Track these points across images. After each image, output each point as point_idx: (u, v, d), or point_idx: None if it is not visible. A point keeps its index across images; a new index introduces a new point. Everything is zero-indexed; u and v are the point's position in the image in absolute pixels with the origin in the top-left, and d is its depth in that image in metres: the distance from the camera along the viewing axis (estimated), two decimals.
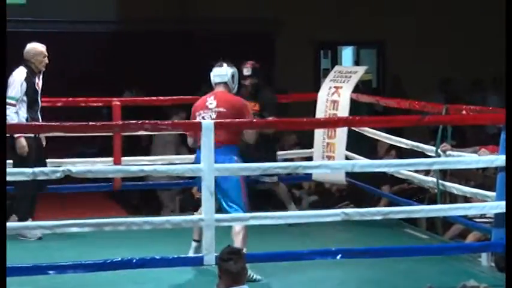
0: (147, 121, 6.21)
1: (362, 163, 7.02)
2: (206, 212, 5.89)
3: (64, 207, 9.13)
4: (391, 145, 8.35)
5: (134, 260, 5.84)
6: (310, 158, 8.44)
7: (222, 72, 6.41)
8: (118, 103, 8.06)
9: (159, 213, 10.53)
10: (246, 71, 7.53)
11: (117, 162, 7.80)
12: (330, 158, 8.10)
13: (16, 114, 7.16)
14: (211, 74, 6.48)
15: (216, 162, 5.93)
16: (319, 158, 8.19)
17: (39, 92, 7.38)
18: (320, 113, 8.28)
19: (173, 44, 13.38)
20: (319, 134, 8.25)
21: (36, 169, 5.84)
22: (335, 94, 8.22)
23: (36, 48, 7.37)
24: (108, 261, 5.84)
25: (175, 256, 6.04)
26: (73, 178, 6.07)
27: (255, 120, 6.47)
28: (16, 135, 7.07)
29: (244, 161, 6.32)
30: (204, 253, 5.90)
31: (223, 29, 13.52)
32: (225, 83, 6.40)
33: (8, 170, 6.21)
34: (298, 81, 12.98)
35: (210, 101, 6.33)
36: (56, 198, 8.93)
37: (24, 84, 7.23)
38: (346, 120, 7.27)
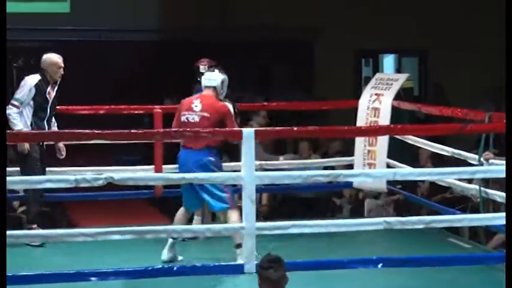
0: (188, 129, 6.25)
1: (403, 171, 6.98)
2: (247, 220, 5.90)
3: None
4: (433, 153, 8.28)
5: (175, 268, 5.89)
6: (351, 165, 8.40)
7: (212, 77, 6.68)
8: (159, 111, 8.10)
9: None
10: (202, 68, 7.37)
11: (158, 169, 7.83)
12: (370, 166, 8.06)
13: (18, 115, 7.19)
14: (203, 77, 6.73)
15: (193, 161, 6.34)
16: (360, 165, 8.15)
17: (50, 102, 7.35)
18: (361, 120, 8.24)
19: (213, 52, 13.39)
20: (360, 141, 8.21)
21: (79, 176, 5.89)
22: (376, 101, 8.18)
23: (51, 58, 7.39)
24: (150, 268, 5.88)
25: (216, 264, 6.05)
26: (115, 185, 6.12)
27: (295, 129, 6.46)
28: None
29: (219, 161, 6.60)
30: (245, 261, 5.91)
31: (263, 37, 13.55)
32: (214, 88, 6.64)
33: (50, 177, 6.30)
34: (338, 88, 12.95)
35: (196, 103, 6.59)
36: (98, 205, 9.00)
37: (33, 90, 7.26)
38: (388, 129, 7.23)
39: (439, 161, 8.67)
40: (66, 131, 6.11)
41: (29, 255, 6.78)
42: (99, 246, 6.69)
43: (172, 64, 13.49)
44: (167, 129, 6.50)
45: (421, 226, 6.19)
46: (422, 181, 8.67)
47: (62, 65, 7.40)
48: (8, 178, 6.18)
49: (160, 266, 5.89)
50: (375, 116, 8.14)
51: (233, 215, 6.38)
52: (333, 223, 6.36)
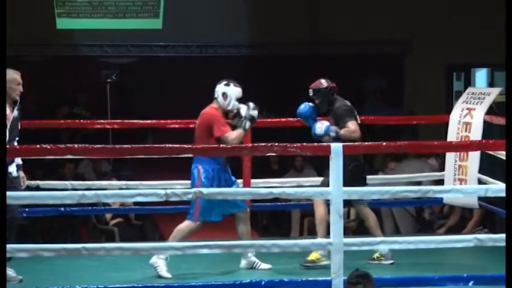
0: (276, 143, 6.27)
1: (496, 187, 6.83)
2: (335, 236, 5.89)
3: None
4: None
5: (263, 282, 5.89)
6: (441, 181, 8.29)
7: (216, 89, 6.99)
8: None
9: (288, 233, 10.58)
10: (310, 92, 7.37)
11: (246, 184, 7.88)
12: (461, 181, 7.94)
13: None
14: None
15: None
16: (451, 180, 8.04)
17: (9, 125, 6.24)
18: (452, 135, 8.13)
19: (303, 67, 13.47)
20: (450, 156, 8.10)
21: (169, 190, 5.95)
22: (467, 116, 8.06)
23: (8, 74, 6.20)
24: (237, 282, 5.91)
25: (303, 279, 6.05)
26: None
27: (384, 144, 6.41)
28: None
29: (223, 171, 6.78)
30: (333, 277, 5.89)
31: (352, 51, 13.51)
32: (216, 99, 6.94)
33: (140, 191, 6.38)
34: (429, 103, 12.81)
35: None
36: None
37: None
38: (479, 144, 7.10)
39: None
40: (156, 145, 6.19)
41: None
42: (185, 259, 6.72)
43: (263, 79, 13.57)
44: (256, 144, 6.53)
45: None
46: None
47: (21, 81, 6.38)
48: (101, 192, 6.33)
49: (248, 281, 5.91)
50: (466, 130, 8.02)
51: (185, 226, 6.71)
52: (422, 239, 6.27)
